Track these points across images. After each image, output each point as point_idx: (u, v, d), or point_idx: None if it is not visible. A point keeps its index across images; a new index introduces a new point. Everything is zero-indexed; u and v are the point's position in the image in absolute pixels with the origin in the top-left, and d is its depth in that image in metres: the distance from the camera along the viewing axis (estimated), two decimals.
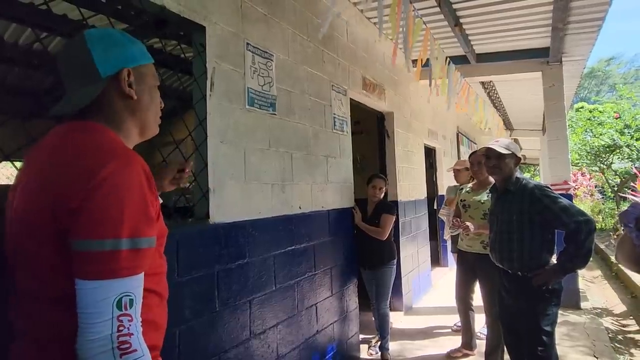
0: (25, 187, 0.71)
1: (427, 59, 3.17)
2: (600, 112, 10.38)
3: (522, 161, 2.00)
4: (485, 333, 2.72)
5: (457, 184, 3.53)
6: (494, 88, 5.92)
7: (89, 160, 0.67)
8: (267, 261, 1.98)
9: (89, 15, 1.50)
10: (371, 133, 4.01)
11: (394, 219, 2.83)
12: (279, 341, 2.02)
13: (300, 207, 2.29)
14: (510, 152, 1.93)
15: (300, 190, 2.30)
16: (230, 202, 1.79)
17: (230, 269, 1.75)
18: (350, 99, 3.01)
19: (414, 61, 3.57)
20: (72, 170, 0.66)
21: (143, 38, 2.55)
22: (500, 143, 1.97)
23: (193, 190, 1.74)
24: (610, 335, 3.27)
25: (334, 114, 2.75)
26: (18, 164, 1.32)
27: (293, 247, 2.19)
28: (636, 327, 3.58)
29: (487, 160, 2.00)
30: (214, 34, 1.76)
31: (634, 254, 0.77)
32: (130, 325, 0.64)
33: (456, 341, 2.95)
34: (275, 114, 2.13)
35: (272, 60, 2.13)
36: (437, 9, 3.08)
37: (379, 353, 2.84)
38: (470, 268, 2.76)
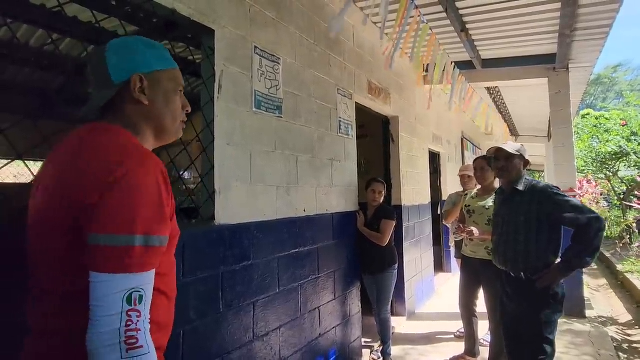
0: (44, 186, 0.74)
1: (435, 64, 3.18)
2: (606, 119, 10.31)
3: (529, 165, 2.00)
4: (489, 340, 2.70)
5: (459, 191, 3.50)
6: (499, 94, 5.91)
7: (105, 158, 0.69)
8: (271, 263, 1.99)
9: (101, 18, 1.52)
10: (376, 137, 4.01)
11: (394, 224, 2.82)
12: (282, 344, 2.02)
13: (304, 210, 2.29)
14: (519, 154, 1.94)
15: (305, 193, 2.31)
16: (236, 204, 1.80)
17: (235, 271, 1.75)
18: (356, 102, 3.02)
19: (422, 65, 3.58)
20: (89, 168, 0.68)
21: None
22: (508, 145, 1.98)
23: (199, 192, 1.75)
24: (615, 345, 3.24)
25: (340, 117, 2.76)
26: (29, 163, 1.34)
27: (297, 250, 2.19)
28: None
29: (495, 162, 1.99)
30: (222, 37, 1.78)
31: None
32: (138, 321, 0.65)
33: (459, 347, 2.93)
34: (281, 117, 2.14)
35: (279, 63, 2.15)
36: (444, 15, 3.09)
37: (381, 358, 2.83)
38: (474, 274, 2.75)
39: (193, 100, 0.95)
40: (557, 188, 1.85)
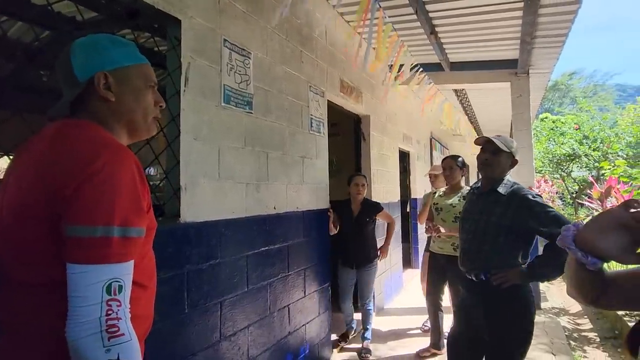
0: (19, 177, 0.74)
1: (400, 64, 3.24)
2: (562, 123, 11.01)
3: (516, 164, 1.82)
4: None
5: (432, 190, 3.61)
6: (466, 96, 6.14)
7: (83, 151, 0.70)
8: (240, 262, 1.95)
9: (54, 1, 1.42)
10: (348, 135, 4.04)
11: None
12: (250, 343, 1.99)
13: (274, 208, 2.27)
14: (508, 151, 1.76)
15: (275, 190, 2.28)
16: (203, 201, 1.74)
17: (201, 270, 1.70)
18: (328, 100, 3.02)
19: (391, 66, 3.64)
20: (67, 160, 0.69)
21: (114, 29, 2.45)
22: (500, 138, 1.78)
23: (164, 188, 1.68)
24: (566, 334, 3.47)
25: (311, 115, 2.75)
26: None
27: (267, 248, 2.16)
28: (589, 326, 3.82)
29: (481, 153, 1.80)
30: (189, 28, 1.71)
31: (581, 276, 0.70)
32: (118, 310, 0.66)
33: (426, 341, 3.02)
34: (251, 113, 2.10)
35: (249, 58, 2.10)
36: (414, 17, 3.15)
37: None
38: (441, 269, 2.84)
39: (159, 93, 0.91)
40: (539, 196, 1.70)
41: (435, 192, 3.10)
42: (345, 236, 2.92)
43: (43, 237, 0.69)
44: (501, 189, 1.72)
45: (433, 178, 3.54)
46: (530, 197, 1.65)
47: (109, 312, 0.65)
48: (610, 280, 0.73)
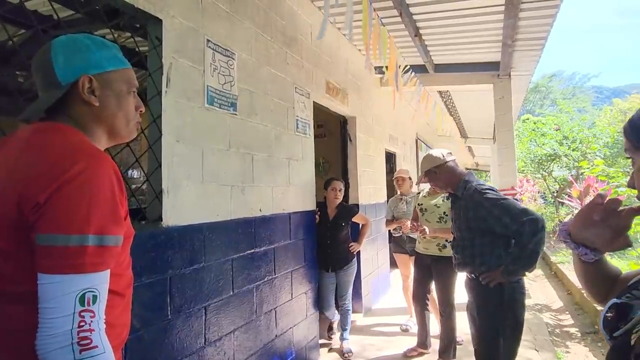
0: None
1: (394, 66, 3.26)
2: (543, 124, 11.31)
3: (445, 163, 1.88)
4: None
5: (398, 194, 3.64)
6: (450, 97, 6.23)
7: (59, 157, 0.68)
8: (225, 265, 1.92)
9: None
10: (334, 136, 4.04)
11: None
12: (236, 348, 1.96)
13: (260, 210, 2.24)
14: (429, 168, 1.91)
15: (260, 192, 2.26)
16: (186, 204, 1.71)
17: (185, 274, 1.67)
18: (314, 102, 3.01)
19: (378, 67, 3.67)
20: (41, 166, 0.67)
21: (92, 28, 2.38)
22: (422, 167, 1.98)
23: (146, 191, 1.64)
24: (549, 330, 3.55)
25: (297, 116, 2.73)
26: None
27: (252, 251, 2.14)
28: (571, 322, 3.91)
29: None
30: (171, 27, 1.68)
31: (584, 272, 0.75)
32: (92, 321, 0.64)
33: (413, 341, 3.04)
34: (236, 114, 2.08)
35: (233, 58, 2.08)
36: (399, 19, 3.18)
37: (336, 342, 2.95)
38: (427, 269, 2.87)
39: (139, 94, 0.88)
40: (492, 190, 1.75)
41: (419, 192, 3.12)
42: (320, 239, 2.92)
43: (13, 245, 0.66)
44: (459, 192, 1.84)
45: (400, 182, 3.56)
46: (476, 195, 1.74)
47: (82, 323, 0.62)
48: (620, 279, 0.77)
